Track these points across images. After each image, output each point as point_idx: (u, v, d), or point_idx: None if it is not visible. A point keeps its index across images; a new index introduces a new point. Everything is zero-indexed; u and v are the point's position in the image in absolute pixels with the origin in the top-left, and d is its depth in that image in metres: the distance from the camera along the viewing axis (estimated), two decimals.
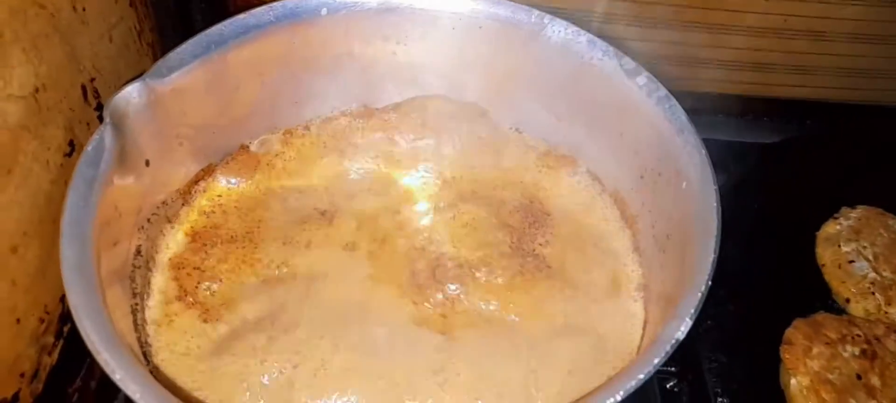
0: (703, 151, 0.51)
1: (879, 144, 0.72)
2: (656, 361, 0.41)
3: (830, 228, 0.64)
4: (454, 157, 0.65)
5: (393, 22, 0.61)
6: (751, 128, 0.79)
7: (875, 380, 0.53)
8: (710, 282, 0.44)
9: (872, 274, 0.60)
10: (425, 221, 0.60)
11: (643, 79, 0.56)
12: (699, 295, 0.43)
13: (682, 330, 0.42)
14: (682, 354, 0.57)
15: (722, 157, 0.58)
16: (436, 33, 0.62)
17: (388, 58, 0.64)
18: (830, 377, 0.53)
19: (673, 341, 0.42)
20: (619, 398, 0.40)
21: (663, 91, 0.55)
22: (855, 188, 0.67)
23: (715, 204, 0.48)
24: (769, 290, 0.60)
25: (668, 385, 0.60)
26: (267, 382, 0.49)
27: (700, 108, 0.63)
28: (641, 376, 0.40)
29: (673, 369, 0.61)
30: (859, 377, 0.53)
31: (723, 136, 0.74)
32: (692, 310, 0.43)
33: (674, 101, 0.55)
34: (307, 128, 0.65)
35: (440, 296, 0.54)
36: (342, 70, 0.63)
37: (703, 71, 0.78)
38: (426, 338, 0.52)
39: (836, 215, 0.65)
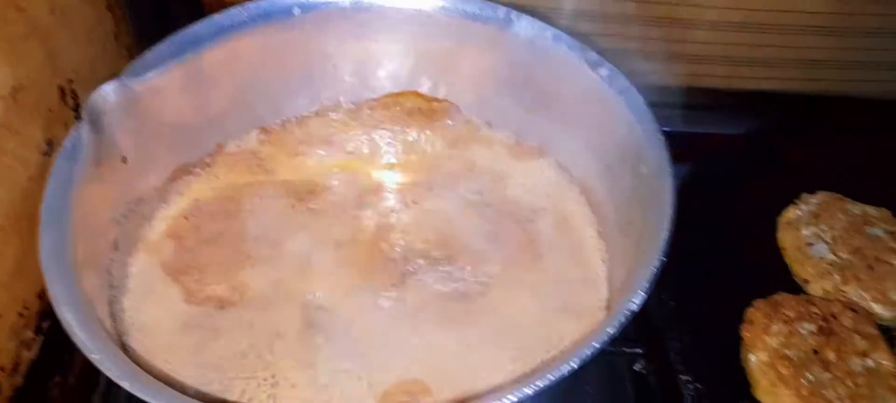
0: (660, 137, 0.54)
1: (842, 133, 0.75)
2: (610, 330, 0.44)
3: (791, 213, 0.67)
4: (428, 152, 0.68)
5: (364, 21, 0.65)
6: (717, 120, 0.80)
7: (831, 355, 0.56)
8: (664, 258, 0.47)
9: (830, 256, 0.63)
10: (397, 215, 0.63)
11: (605, 70, 0.59)
12: (652, 268, 0.46)
13: (635, 301, 0.45)
14: (649, 336, 0.62)
15: (688, 148, 0.62)
16: (407, 32, 0.65)
17: (360, 56, 0.67)
18: (788, 353, 0.56)
19: (626, 311, 0.45)
20: (574, 365, 0.42)
21: (625, 81, 0.58)
22: (816, 175, 0.69)
23: (669, 186, 0.51)
24: (732, 274, 0.62)
25: (635, 367, 0.63)
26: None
27: (667, 102, 0.65)
28: (595, 344, 0.43)
29: (640, 351, 0.63)
30: (816, 352, 0.56)
31: (689, 129, 0.74)
32: (645, 283, 0.46)
33: (634, 91, 0.57)
34: (283, 126, 0.68)
35: (408, 286, 0.58)
36: (316, 69, 0.66)
37: (669, 65, 0.79)
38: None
39: (796, 200, 0.68)
